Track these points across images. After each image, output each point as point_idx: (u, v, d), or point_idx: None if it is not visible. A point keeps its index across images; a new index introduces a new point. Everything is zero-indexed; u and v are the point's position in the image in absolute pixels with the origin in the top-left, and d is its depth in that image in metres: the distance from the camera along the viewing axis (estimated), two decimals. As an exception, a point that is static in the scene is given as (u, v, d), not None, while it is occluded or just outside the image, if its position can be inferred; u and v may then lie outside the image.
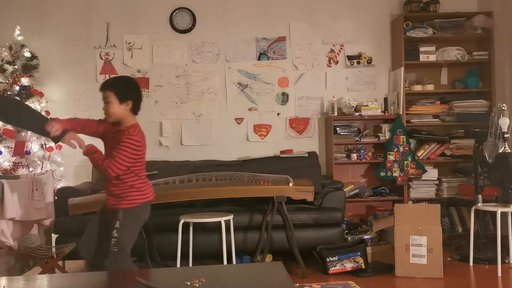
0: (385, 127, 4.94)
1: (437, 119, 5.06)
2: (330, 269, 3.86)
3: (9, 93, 4.52)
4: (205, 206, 4.11)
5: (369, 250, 4.02)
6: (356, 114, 4.94)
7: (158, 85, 5.11)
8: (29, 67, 4.66)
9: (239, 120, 5.14)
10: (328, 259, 3.86)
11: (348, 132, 5.03)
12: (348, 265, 3.86)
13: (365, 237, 4.20)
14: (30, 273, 3.79)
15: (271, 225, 3.92)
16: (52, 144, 4.63)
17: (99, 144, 2.88)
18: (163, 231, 4.02)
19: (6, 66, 4.55)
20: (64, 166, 4.79)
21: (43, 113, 4.65)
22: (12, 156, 4.39)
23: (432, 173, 5.00)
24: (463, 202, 4.69)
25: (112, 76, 3.23)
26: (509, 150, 4.05)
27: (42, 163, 4.54)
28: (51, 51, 4.98)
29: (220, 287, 2.02)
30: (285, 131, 5.18)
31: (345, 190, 4.54)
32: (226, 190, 3.96)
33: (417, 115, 5.06)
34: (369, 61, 5.19)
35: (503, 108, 4.12)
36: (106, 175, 2.79)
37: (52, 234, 4.20)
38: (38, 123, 2.70)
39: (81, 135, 2.85)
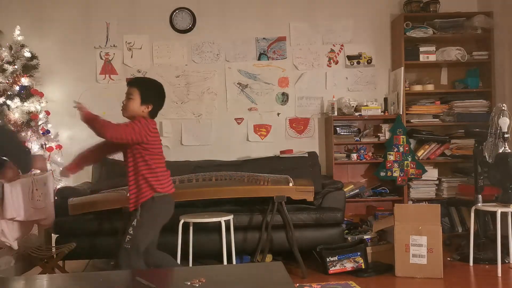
0: (385, 127, 4.94)
1: (437, 119, 5.06)
2: (330, 269, 3.86)
3: (9, 93, 4.52)
4: (205, 206, 4.11)
5: (369, 250, 4.02)
6: (356, 114, 4.94)
7: (158, 85, 5.10)
8: (29, 67, 4.66)
9: (239, 120, 5.14)
10: (328, 259, 3.86)
11: (348, 132, 5.03)
12: (348, 265, 3.86)
13: (365, 237, 4.19)
14: (30, 273, 3.79)
15: (271, 225, 3.92)
16: (52, 144, 4.64)
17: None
18: (163, 231, 4.00)
19: (6, 66, 4.55)
20: (64, 166, 4.78)
21: (43, 113, 4.65)
22: (12, 156, 4.38)
23: (432, 173, 5.00)
24: (463, 202, 4.69)
25: (140, 76, 3.15)
26: (509, 150, 4.05)
27: (42, 163, 4.53)
28: (51, 51, 4.98)
29: (220, 287, 2.02)
30: (285, 131, 5.18)
31: (345, 190, 4.54)
32: (226, 190, 3.96)
33: (417, 115, 5.06)
34: (369, 61, 5.19)
35: (503, 108, 4.12)
36: (105, 136, 2.70)
37: (52, 234, 4.20)
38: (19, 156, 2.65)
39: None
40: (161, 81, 5.09)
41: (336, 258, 3.87)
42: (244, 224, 4.02)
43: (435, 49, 5.00)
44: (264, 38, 5.17)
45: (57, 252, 3.70)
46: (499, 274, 3.74)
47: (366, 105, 4.97)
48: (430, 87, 5.07)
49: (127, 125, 2.75)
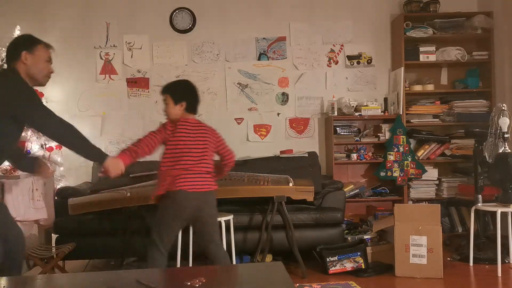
0: (385, 127, 4.94)
1: (437, 119, 5.06)
2: (330, 269, 3.86)
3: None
4: (205, 206, 4.10)
5: (369, 250, 4.02)
6: (356, 114, 4.94)
7: (158, 85, 5.10)
8: (29, 67, 4.65)
9: (239, 120, 5.15)
10: (328, 259, 3.86)
11: (348, 132, 5.03)
12: (348, 265, 3.86)
13: (365, 237, 4.20)
14: (30, 273, 3.79)
15: (271, 225, 3.92)
16: (52, 144, 4.63)
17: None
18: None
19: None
20: (64, 166, 4.78)
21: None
22: (12, 156, 4.38)
23: (432, 173, 5.00)
24: (463, 202, 4.69)
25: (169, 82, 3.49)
26: (509, 150, 4.05)
27: (42, 163, 4.53)
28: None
29: (220, 287, 2.02)
30: (285, 131, 5.18)
31: (345, 190, 4.54)
32: (226, 190, 3.96)
33: (417, 115, 5.06)
34: (369, 61, 5.19)
35: (503, 108, 4.12)
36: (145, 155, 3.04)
37: (52, 234, 4.21)
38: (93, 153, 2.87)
39: None
40: (161, 81, 5.14)
41: (336, 258, 3.87)
42: (244, 224, 4.02)
43: (435, 49, 5.00)
44: (264, 38, 5.17)
45: (57, 252, 3.70)
46: (499, 274, 3.74)
47: (366, 105, 4.97)
48: (430, 87, 5.07)
49: (146, 139, 3.03)
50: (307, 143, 5.13)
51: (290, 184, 3.95)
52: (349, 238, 4.23)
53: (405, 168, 4.85)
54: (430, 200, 4.94)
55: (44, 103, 4.69)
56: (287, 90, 5.18)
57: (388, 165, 4.86)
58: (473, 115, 4.93)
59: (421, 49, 4.98)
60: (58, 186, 4.50)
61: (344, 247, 3.98)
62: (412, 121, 5.04)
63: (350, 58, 5.19)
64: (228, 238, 3.80)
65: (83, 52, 5.07)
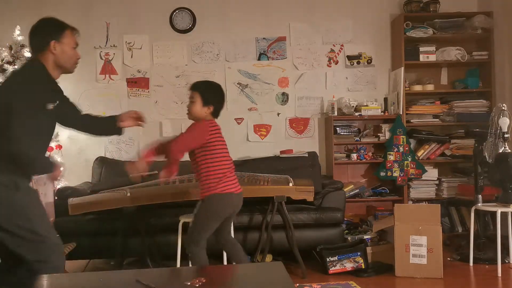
0: (385, 127, 4.94)
1: (437, 119, 5.06)
2: (330, 269, 3.86)
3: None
4: (205, 206, 4.10)
5: (369, 250, 4.02)
6: (356, 114, 4.94)
7: (158, 85, 5.11)
8: (29, 67, 4.65)
9: (239, 120, 5.14)
10: (328, 259, 3.86)
11: (348, 132, 5.03)
12: (348, 265, 3.86)
13: (365, 237, 4.20)
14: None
15: (271, 225, 3.92)
16: (52, 144, 4.63)
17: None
18: (163, 231, 4.02)
19: (6, 66, 4.55)
20: (64, 166, 4.78)
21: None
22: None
23: (432, 173, 5.00)
24: (463, 202, 4.69)
25: (200, 80, 3.46)
26: (509, 150, 4.05)
27: (42, 163, 4.52)
28: (51, 51, 4.97)
29: (220, 287, 2.02)
30: (285, 131, 5.18)
31: (345, 190, 4.54)
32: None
33: (417, 115, 5.06)
34: (369, 61, 5.19)
35: (503, 108, 4.12)
36: (172, 156, 2.93)
37: (52, 234, 4.20)
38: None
39: None
40: (161, 81, 5.15)
41: (336, 258, 3.87)
42: (244, 224, 4.02)
43: (435, 49, 5.00)
44: (264, 38, 5.17)
45: (57, 252, 3.69)
46: (499, 274, 3.74)
47: (366, 105, 4.97)
48: (430, 87, 5.07)
49: (186, 136, 2.98)
50: (307, 143, 5.13)
51: (290, 184, 3.95)
52: (349, 238, 4.23)
53: (405, 168, 4.85)
54: (430, 200, 4.94)
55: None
56: (287, 90, 5.18)
57: (388, 165, 4.86)
58: (473, 115, 4.93)
59: (421, 49, 4.98)
60: (58, 186, 4.50)
61: (344, 247, 3.98)
62: (412, 121, 5.04)
63: (350, 58, 5.19)
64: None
65: (83, 52, 4.96)
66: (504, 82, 4.84)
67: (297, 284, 3.58)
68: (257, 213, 4.04)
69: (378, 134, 4.99)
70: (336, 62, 5.21)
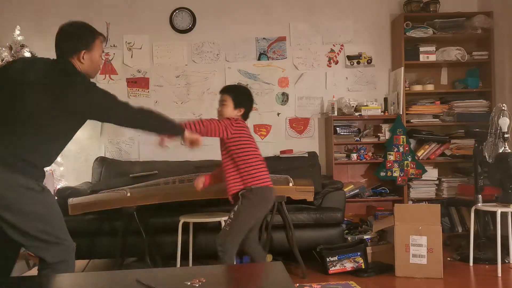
0: (385, 127, 4.94)
1: (437, 119, 5.06)
2: (330, 269, 3.86)
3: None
4: (205, 206, 4.11)
5: (369, 250, 4.02)
6: (356, 114, 4.94)
7: (158, 85, 5.11)
8: (29, 67, 4.64)
9: (241, 121, 5.14)
10: (328, 259, 3.86)
11: (348, 132, 5.03)
12: (348, 265, 3.86)
13: (365, 237, 4.20)
14: (30, 273, 3.79)
15: (271, 225, 3.92)
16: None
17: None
18: (163, 231, 4.02)
19: (6, 66, 4.55)
20: (64, 166, 4.79)
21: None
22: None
23: (432, 173, 5.00)
24: (463, 202, 4.69)
25: (230, 84, 3.62)
26: (509, 150, 4.05)
27: (42, 163, 4.52)
28: (51, 51, 4.93)
29: (220, 287, 2.02)
30: (285, 131, 5.18)
31: (345, 190, 4.54)
32: (226, 190, 3.95)
33: (417, 115, 5.06)
34: (369, 61, 5.19)
35: (503, 108, 4.12)
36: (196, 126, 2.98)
37: (52, 234, 4.20)
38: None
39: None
40: (161, 81, 5.15)
41: (336, 258, 3.87)
42: (244, 224, 4.01)
43: (435, 49, 5.00)
44: (264, 38, 5.17)
45: (57, 252, 3.69)
46: (499, 274, 3.74)
47: (366, 105, 4.97)
48: (430, 87, 5.07)
49: (214, 124, 3.03)
50: (307, 143, 5.13)
51: (290, 184, 3.95)
52: (349, 238, 4.23)
53: (405, 168, 4.85)
54: (430, 200, 4.94)
55: None
56: (287, 90, 5.18)
57: (388, 165, 4.86)
58: (473, 115, 4.93)
59: (421, 49, 4.98)
60: (58, 186, 4.50)
61: (344, 247, 3.98)
62: (412, 121, 5.04)
63: (350, 58, 5.19)
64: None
65: (83, 52, 5.06)
66: (504, 82, 4.84)
67: (297, 284, 3.58)
68: (257, 213, 4.04)
69: (378, 134, 4.99)
70: (336, 62, 5.21)
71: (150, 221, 4.02)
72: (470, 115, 4.93)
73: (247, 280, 2.13)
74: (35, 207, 2.39)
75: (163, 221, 4.03)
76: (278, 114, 5.17)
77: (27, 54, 4.64)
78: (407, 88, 5.02)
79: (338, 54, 5.21)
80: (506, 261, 3.98)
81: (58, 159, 4.69)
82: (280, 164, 4.62)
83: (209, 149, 5.03)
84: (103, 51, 2.66)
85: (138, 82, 5.11)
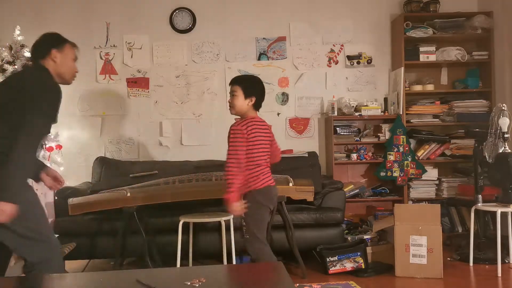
0: (385, 127, 4.94)
1: (437, 119, 5.06)
2: (330, 269, 3.86)
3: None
4: (205, 206, 4.11)
5: (369, 250, 4.02)
6: (356, 114, 4.94)
7: (158, 85, 5.11)
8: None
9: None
10: (328, 259, 3.86)
11: (348, 132, 5.03)
12: (348, 265, 3.86)
13: (365, 237, 4.20)
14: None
15: (271, 225, 3.92)
16: (52, 144, 4.63)
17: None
18: (163, 231, 4.02)
19: (6, 66, 4.54)
20: (64, 166, 4.78)
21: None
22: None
23: (432, 173, 5.00)
24: (463, 202, 4.69)
25: (240, 74, 3.46)
26: (509, 150, 4.05)
27: (42, 163, 4.52)
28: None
29: (220, 287, 2.02)
30: (285, 131, 5.18)
31: (345, 190, 4.54)
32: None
33: (417, 115, 5.06)
34: (369, 61, 5.19)
35: (503, 108, 4.12)
36: (233, 179, 2.95)
37: (52, 234, 4.20)
38: None
39: None
40: (161, 81, 5.15)
41: (336, 258, 3.87)
42: (244, 224, 4.01)
43: (435, 49, 5.00)
44: (264, 38, 5.17)
45: (57, 252, 3.69)
46: (499, 274, 3.74)
47: (366, 105, 4.97)
48: (430, 87, 5.07)
49: (233, 157, 2.94)
50: (307, 143, 5.13)
51: (290, 184, 3.95)
52: (349, 238, 4.23)
53: (405, 168, 4.85)
54: (430, 200, 4.94)
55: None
56: (287, 90, 5.18)
57: (388, 165, 4.86)
58: (473, 115, 4.93)
59: (421, 49, 4.98)
60: (58, 186, 4.49)
61: (344, 247, 3.98)
62: (412, 121, 5.04)
63: (350, 58, 5.19)
64: (228, 238, 3.80)
65: (83, 52, 5.01)
66: (504, 82, 4.84)
67: (297, 284, 3.58)
68: (257, 213, 4.04)
69: (378, 134, 4.99)
70: (336, 62, 5.21)
71: (150, 221, 4.02)
72: (470, 115, 4.93)
73: (247, 280, 2.13)
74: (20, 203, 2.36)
75: (163, 221, 4.03)
76: (278, 114, 5.17)
77: (27, 54, 4.65)
78: (407, 88, 5.02)
79: (338, 54, 5.21)
80: (506, 261, 3.98)
81: (58, 159, 4.70)
82: (280, 164, 4.58)
83: (209, 149, 5.07)
84: (76, 58, 2.74)
85: (138, 82, 5.11)
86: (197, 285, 1.89)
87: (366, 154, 4.97)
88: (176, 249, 3.73)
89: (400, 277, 3.75)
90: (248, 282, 2.09)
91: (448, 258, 4.19)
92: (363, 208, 5.08)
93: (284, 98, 5.18)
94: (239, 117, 3.16)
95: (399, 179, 4.86)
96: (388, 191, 5.01)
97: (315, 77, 5.19)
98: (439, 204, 3.90)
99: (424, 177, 4.92)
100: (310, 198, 3.99)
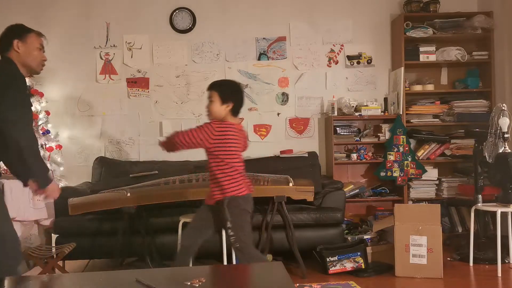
0: (385, 127, 4.94)
1: (437, 119, 5.06)
2: (330, 269, 3.86)
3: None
4: (205, 206, 4.11)
5: (369, 250, 4.02)
6: (356, 114, 4.94)
7: (158, 85, 5.11)
8: (29, 67, 4.64)
9: (239, 120, 5.13)
10: (328, 259, 3.86)
11: (348, 132, 5.03)
12: (348, 265, 3.86)
13: (365, 237, 4.20)
14: (30, 273, 3.79)
15: (271, 225, 3.92)
16: (52, 144, 4.64)
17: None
18: (163, 231, 4.02)
19: (6, 66, 4.54)
20: (64, 166, 4.78)
21: (43, 113, 4.64)
22: (12, 156, 4.37)
23: (432, 173, 5.00)
24: (463, 202, 4.69)
25: (217, 79, 3.34)
26: (509, 150, 4.05)
27: (42, 163, 4.52)
28: (51, 51, 4.92)
29: (220, 287, 2.02)
30: (285, 131, 5.18)
31: (345, 190, 4.54)
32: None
33: (417, 115, 5.06)
34: (369, 61, 5.19)
35: (503, 108, 4.12)
36: (173, 139, 2.94)
37: (52, 234, 4.20)
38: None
39: None
40: (161, 81, 5.15)
41: (336, 258, 3.87)
42: (244, 224, 4.01)
43: (435, 49, 5.00)
44: (264, 38, 5.17)
45: (57, 252, 3.70)
46: (499, 274, 3.74)
47: (366, 105, 4.97)
48: (430, 87, 5.07)
49: (193, 132, 2.92)
50: (307, 143, 5.13)
51: (290, 184, 3.95)
52: (349, 238, 4.23)
53: (405, 168, 4.85)
54: (430, 200, 4.94)
55: (44, 103, 4.67)
56: (287, 90, 5.18)
57: (388, 165, 4.86)
58: (473, 115, 4.93)
59: (421, 49, 4.98)
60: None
61: (344, 247, 3.98)
62: (412, 121, 5.04)
63: (350, 58, 5.19)
64: (228, 238, 3.79)
65: (83, 52, 5.07)
66: (504, 82, 4.84)
67: (297, 284, 3.58)
68: (257, 213, 4.04)
69: (378, 134, 4.99)
70: (336, 62, 5.21)
71: (150, 221, 4.02)
72: (470, 115, 4.93)
73: (247, 280, 2.13)
74: None
75: (163, 221, 4.03)
76: (278, 114, 5.17)
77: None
78: (407, 88, 5.02)
79: (338, 54, 5.21)
80: (506, 261, 3.98)
81: (58, 159, 4.70)
82: (280, 164, 4.62)
83: (209, 149, 5.06)
84: (42, 46, 2.74)
85: (138, 82, 5.11)
86: (197, 285, 1.89)
87: (366, 154, 4.97)
88: (176, 249, 3.73)
89: (400, 277, 3.76)
90: (248, 282, 2.09)
91: (448, 258, 4.19)
92: (363, 208, 5.08)
93: (284, 98, 5.18)
94: None
95: (399, 179, 4.86)
96: (388, 191, 5.01)
97: (315, 77, 5.19)
98: (439, 204, 3.90)
99: (424, 177, 4.92)
100: (310, 198, 3.99)
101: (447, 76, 5.24)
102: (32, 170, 2.49)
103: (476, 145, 4.31)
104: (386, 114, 5.01)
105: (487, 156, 4.16)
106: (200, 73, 5.13)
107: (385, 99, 5.14)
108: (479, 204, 4.09)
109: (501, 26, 4.89)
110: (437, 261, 3.71)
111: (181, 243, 3.17)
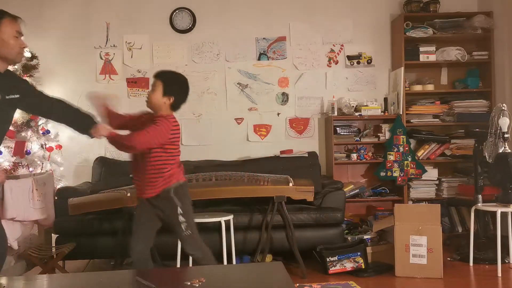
0: (385, 127, 4.94)
1: (437, 119, 5.06)
2: (330, 269, 3.86)
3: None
4: (205, 206, 4.11)
5: (369, 250, 4.02)
6: (356, 114, 4.94)
7: (158, 85, 5.10)
8: (29, 67, 4.64)
9: (239, 120, 5.14)
10: (328, 259, 3.86)
11: (348, 132, 5.03)
12: (348, 265, 3.86)
13: (365, 237, 4.20)
14: (30, 273, 3.79)
15: (271, 225, 3.92)
16: (52, 144, 4.64)
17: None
18: (163, 231, 4.01)
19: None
20: (64, 166, 4.79)
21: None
22: (12, 156, 4.38)
23: (432, 173, 5.00)
24: (463, 202, 4.69)
25: (166, 69, 3.17)
26: (509, 150, 4.05)
27: (42, 163, 4.53)
28: (51, 51, 4.97)
29: (220, 287, 2.02)
30: (285, 131, 5.18)
31: (345, 190, 4.54)
32: (226, 190, 3.96)
33: (417, 115, 5.06)
34: (369, 61, 5.19)
35: (503, 108, 4.12)
36: (131, 149, 2.82)
37: (52, 234, 4.20)
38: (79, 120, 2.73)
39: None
40: (161, 81, 5.11)
41: (336, 258, 3.87)
42: (244, 224, 4.02)
43: (435, 49, 5.00)
44: (264, 38, 5.17)
45: (57, 252, 3.70)
46: (499, 274, 3.74)
47: (366, 105, 4.97)
48: (430, 87, 5.07)
49: (151, 131, 2.80)
50: (307, 143, 5.13)
51: (290, 184, 3.95)
52: (349, 238, 4.23)
53: (405, 168, 4.85)
54: (430, 200, 4.94)
55: None
56: (287, 90, 5.18)
57: (388, 165, 4.86)
58: (473, 115, 4.93)
59: (421, 49, 4.98)
60: (58, 186, 4.50)
61: (344, 247, 3.98)
62: (412, 121, 5.04)
63: (350, 58, 5.19)
64: (228, 238, 3.80)
65: (83, 52, 5.07)
66: (504, 82, 4.84)
67: (297, 284, 3.58)
68: (257, 213, 4.05)
69: (378, 134, 4.99)
70: (336, 62, 5.21)
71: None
72: (470, 115, 4.93)
73: (247, 280, 2.13)
74: None
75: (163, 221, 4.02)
76: (278, 114, 5.17)
77: (27, 54, 4.64)
78: (407, 88, 5.02)
79: (338, 54, 5.21)
80: (506, 261, 3.98)
81: (58, 159, 4.70)
82: (280, 164, 4.62)
83: (209, 149, 5.07)
84: (19, 33, 2.50)
85: (138, 82, 5.11)
86: (197, 285, 1.89)
87: (366, 154, 4.97)
88: (176, 249, 3.73)
89: (400, 277, 3.76)
90: (248, 282, 2.09)
91: (448, 258, 4.19)
92: (363, 208, 5.08)
93: (284, 98, 5.18)
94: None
95: (399, 179, 4.86)
96: (388, 191, 5.01)
97: (315, 77, 5.19)
98: (439, 204, 3.91)
99: (424, 177, 4.92)
100: (310, 198, 3.99)
101: (447, 76, 5.24)
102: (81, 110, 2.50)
103: (476, 145, 4.32)
104: (386, 114, 5.01)
105: (487, 156, 4.16)
106: (200, 73, 5.13)
107: (385, 99, 5.14)
108: (479, 204, 4.09)
109: (501, 26, 4.89)
110: (437, 261, 3.71)
111: (134, 248, 3.00)
